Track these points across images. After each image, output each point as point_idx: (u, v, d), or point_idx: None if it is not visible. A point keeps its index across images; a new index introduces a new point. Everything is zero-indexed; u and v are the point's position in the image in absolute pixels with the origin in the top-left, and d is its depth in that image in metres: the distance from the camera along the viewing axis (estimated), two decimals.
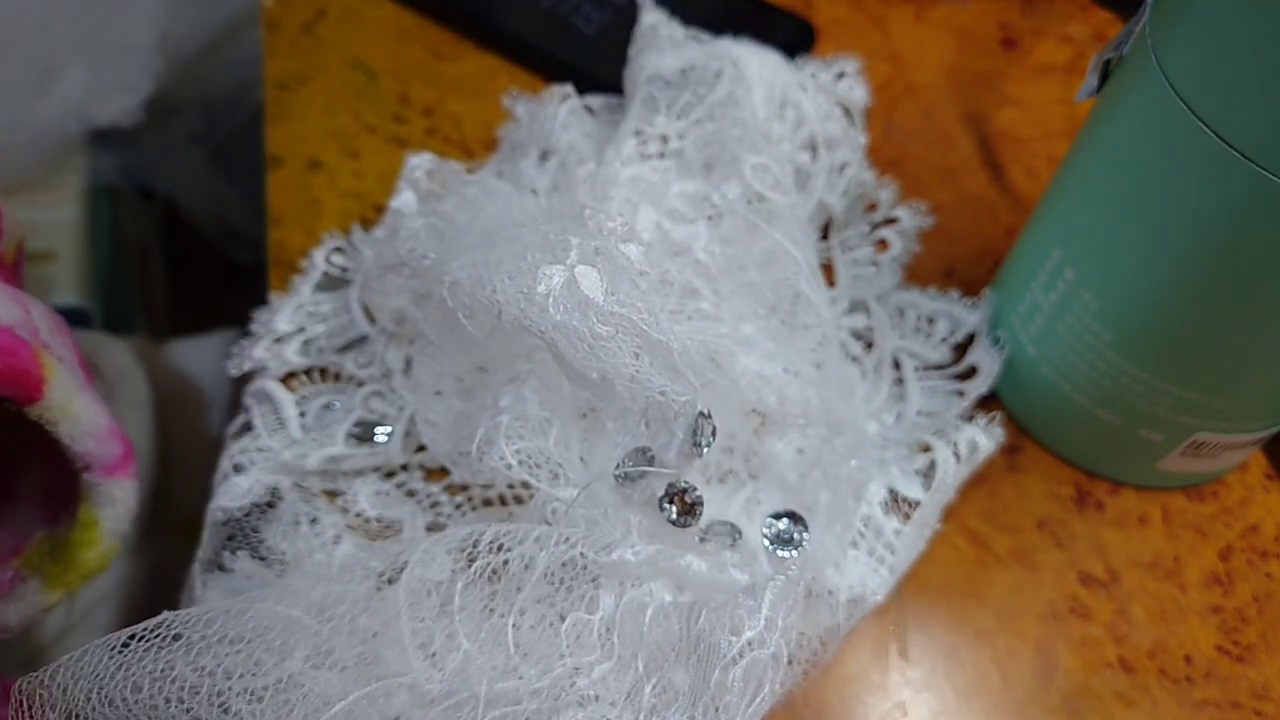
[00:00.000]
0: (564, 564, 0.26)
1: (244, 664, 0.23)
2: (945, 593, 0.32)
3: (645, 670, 0.25)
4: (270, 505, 0.31)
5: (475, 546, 0.25)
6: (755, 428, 0.32)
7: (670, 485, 0.27)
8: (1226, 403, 0.29)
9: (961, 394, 0.34)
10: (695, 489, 0.28)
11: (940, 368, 0.35)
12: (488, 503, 0.32)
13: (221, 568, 0.30)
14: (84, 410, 0.26)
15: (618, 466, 0.27)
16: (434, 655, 0.25)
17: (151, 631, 0.23)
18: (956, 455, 0.31)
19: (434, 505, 0.32)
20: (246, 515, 0.31)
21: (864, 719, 0.29)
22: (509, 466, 0.28)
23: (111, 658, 0.23)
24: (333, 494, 0.32)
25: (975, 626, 0.31)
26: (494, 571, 0.26)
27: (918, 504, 0.31)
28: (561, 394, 0.29)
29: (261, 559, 0.30)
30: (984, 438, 0.32)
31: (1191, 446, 0.31)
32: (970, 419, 0.32)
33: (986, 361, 0.34)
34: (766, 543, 0.30)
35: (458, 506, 0.32)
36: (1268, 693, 0.30)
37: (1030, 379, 0.33)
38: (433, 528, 0.31)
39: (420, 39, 0.45)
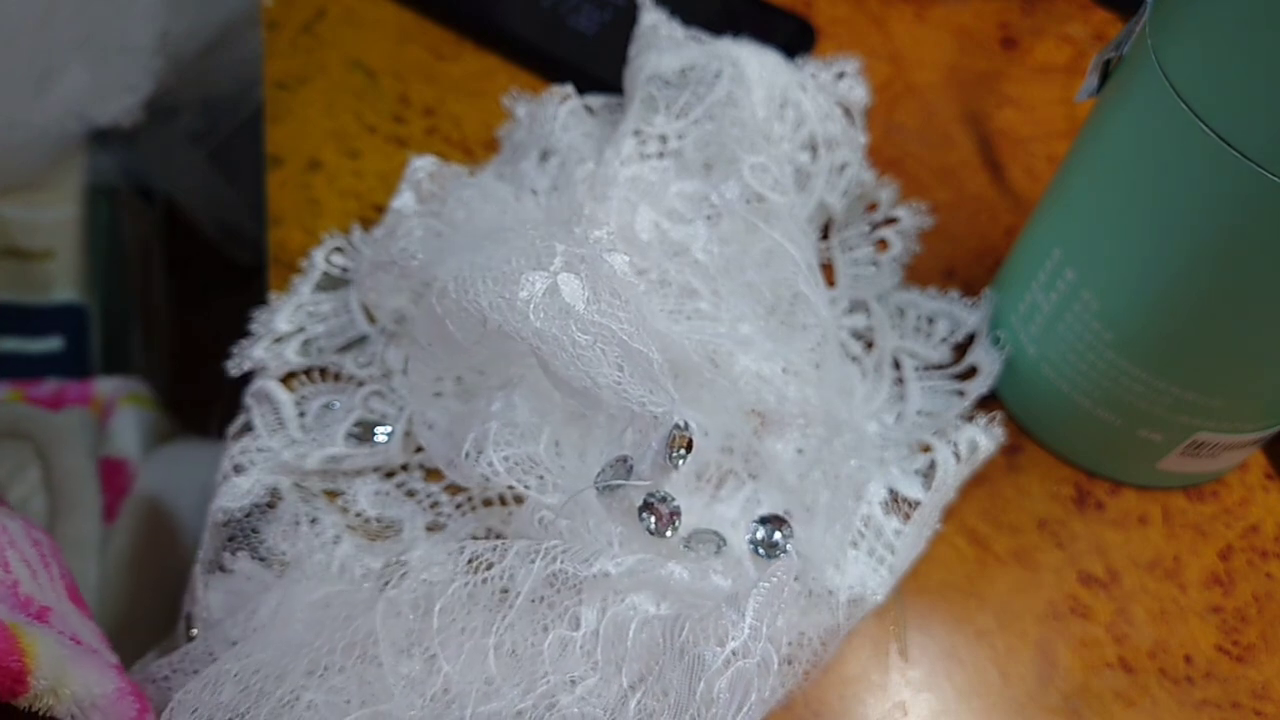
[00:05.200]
0: (545, 579, 0.26)
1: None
2: (945, 593, 0.32)
3: (630, 685, 0.25)
4: (270, 505, 0.31)
5: (456, 565, 0.26)
6: (755, 428, 0.32)
7: (648, 496, 0.27)
8: (1226, 403, 0.29)
9: (961, 394, 0.34)
10: (673, 499, 0.28)
11: (940, 368, 0.35)
12: (488, 503, 0.32)
13: (222, 568, 0.30)
14: (81, 684, 0.23)
15: (598, 477, 0.27)
16: (416, 679, 0.25)
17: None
18: (956, 455, 0.31)
19: (434, 505, 0.32)
20: (246, 516, 0.31)
21: (864, 719, 0.29)
22: (497, 473, 0.28)
23: None
24: (333, 494, 0.32)
25: (975, 626, 0.31)
26: (474, 590, 0.26)
27: (918, 504, 0.31)
28: (553, 399, 0.29)
29: (261, 559, 0.30)
30: (984, 438, 0.32)
31: (1191, 446, 0.31)
32: (970, 419, 0.32)
33: (986, 361, 0.34)
34: (750, 548, 0.30)
35: (458, 506, 0.32)
36: (1268, 693, 0.30)
37: (1030, 379, 0.33)
38: (433, 528, 0.31)
39: (420, 39, 0.45)
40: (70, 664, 0.23)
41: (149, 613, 0.43)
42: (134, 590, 0.44)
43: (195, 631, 0.29)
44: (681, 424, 0.26)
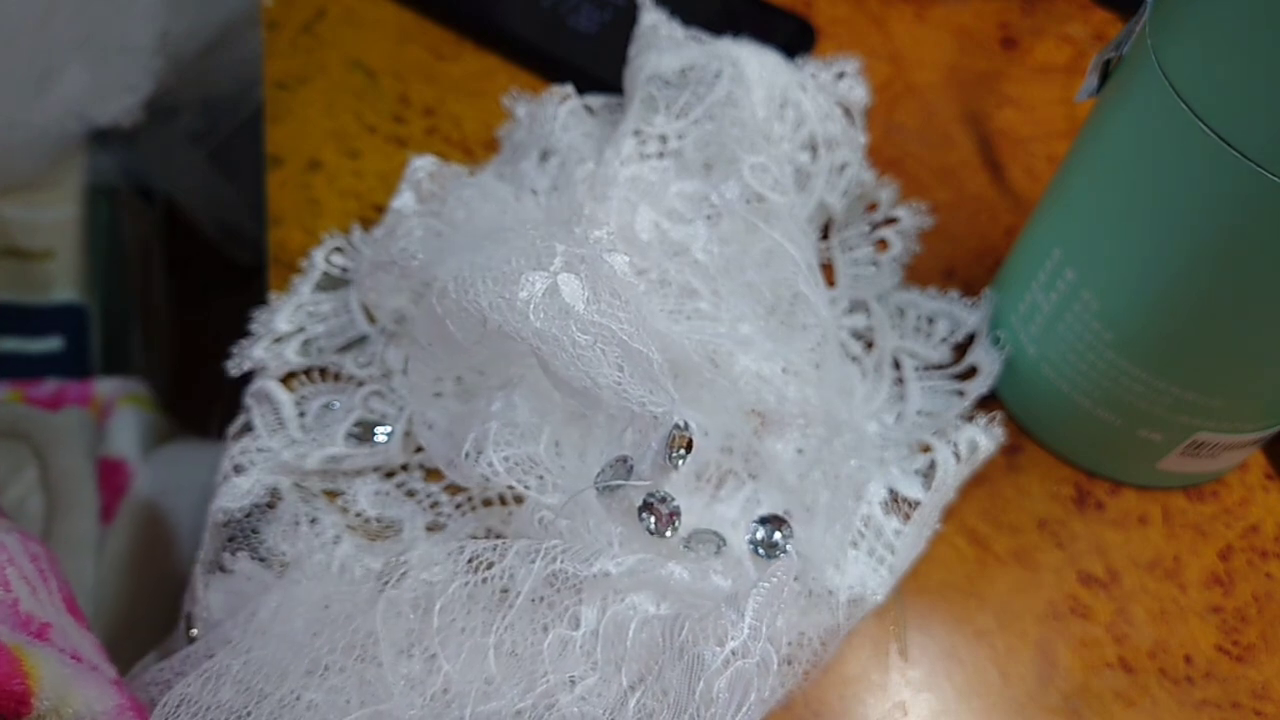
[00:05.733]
0: (546, 579, 0.26)
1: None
2: (945, 593, 0.32)
3: (630, 684, 0.25)
4: (270, 505, 0.31)
5: (456, 565, 0.26)
6: (755, 428, 0.32)
7: (648, 496, 0.27)
8: (1226, 403, 0.29)
9: (961, 394, 0.34)
10: (673, 499, 0.28)
11: (940, 368, 0.35)
12: (488, 503, 0.32)
13: (222, 568, 0.30)
14: (82, 701, 0.23)
15: (598, 477, 0.27)
16: (416, 679, 0.25)
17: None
18: (956, 455, 0.31)
19: (434, 505, 0.32)
20: (247, 516, 0.31)
21: (864, 719, 0.29)
22: (497, 473, 0.28)
23: None
24: (333, 494, 0.32)
25: (975, 626, 0.31)
26: (474, 589, 0.26)
27: (918, 504, 0.31)
28: (553, 399, 0.29)
29: (261, 559, 0.30)
30: (984, 438, 0.32)
31: (1191, 446, 0.31)
32: (970, 419, 0.32)
33: (986, 361, 0.34)
34: (750, 548, 0.30)
35: (458, 506, 0.32)
36: (1268, 693, 0.30)
37: (1030, 379, 0.33)
38: (433, 528, 0.31)
39: (420, 39, 0.45)
40: (72, 683, 0.23)
41: (148, 613, 0.43)
42: (133, 591, 0.44)
43: (195, 632, 0.29)
44: (681, 424, 0.26)
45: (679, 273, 0.33)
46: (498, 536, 0.31)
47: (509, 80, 0.43)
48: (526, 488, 0.28)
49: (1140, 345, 0.29)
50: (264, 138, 0.41)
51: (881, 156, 0.41)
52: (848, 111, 0.39)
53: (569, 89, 0.38)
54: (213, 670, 0.25)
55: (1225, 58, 0.23)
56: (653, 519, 0.27)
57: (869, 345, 0.36)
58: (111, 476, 0.47)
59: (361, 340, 0.35)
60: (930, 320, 0.36)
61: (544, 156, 0.37)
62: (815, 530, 0.30)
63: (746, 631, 0.24)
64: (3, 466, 0.46)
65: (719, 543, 0.29)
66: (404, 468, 0.33)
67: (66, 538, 0.44)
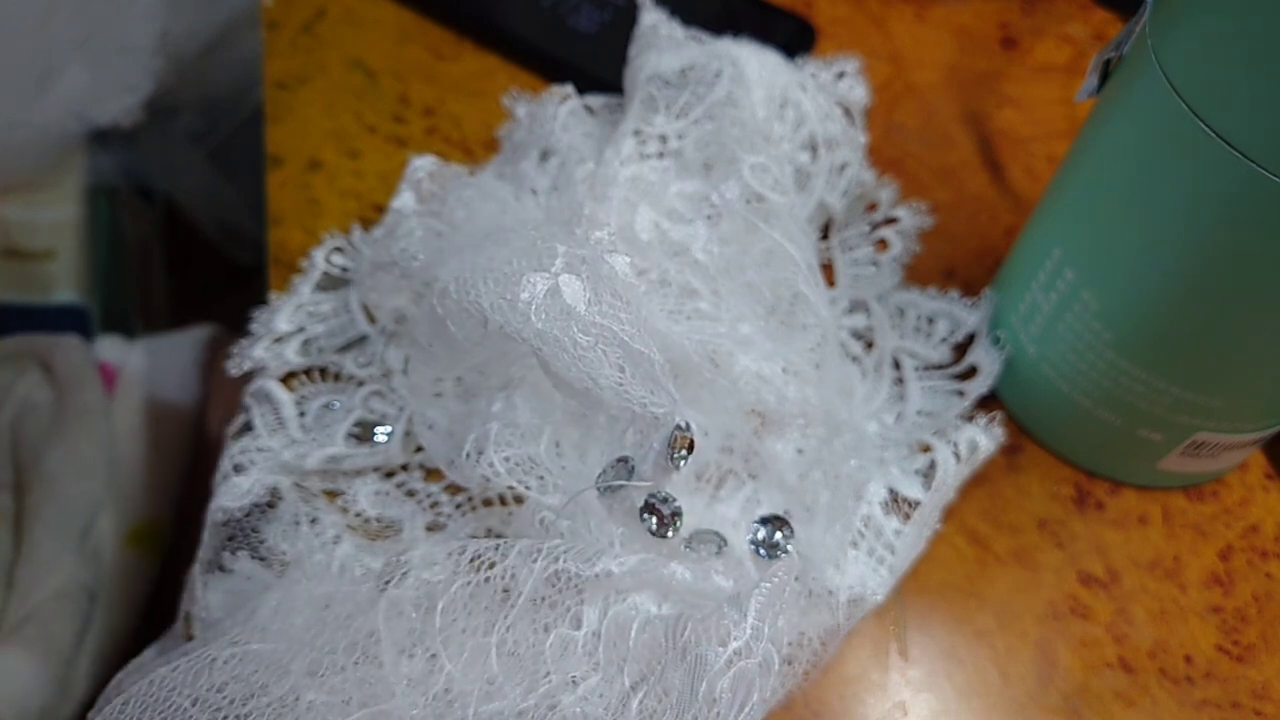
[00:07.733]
0: (548, 579, 0.26)
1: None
2: (945, 593, 0.32)
3: (632, 685, 0.25)
4: (270, 505, 0.31)
5: (458, 565, 0.26)
6: (755, 428, 0.32)
7: (649, 497, 0.27)
8: (1226, 403, 0.29)
9: (961, 394, 0.34)
10: (674, 500, 0.28)
11: (940, 368, 0.35)
12: (488, 503, 0.32)
13: (222, 568, 0.30)
14: None
15: (599, 478, 0.27)
16: (417, 679, 0.25)
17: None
18: (956, 455, 0.31)
19: (434, 505, 0.32)
20: (246, 515, 0.31)
21: (864, 719, 0.29)
22: (497, 474, 0.28)
23: None
24: (333, 494, 0.32)
25: (975, 626, 0.31)
26: (476, 589, 0.26)
27: (918, 504, 0.31)
28: (553, 400, 0.29)
29: (261, 559, 0.30)
30: (984, 438, 0.32)
31: (1191, 446, 0.31)
32: (970, 419, 0.32)
33: (986, 361, 0.34)
34: (751, 548, 0.30)
35: (458, 506, 0.32)
36: (1268, 693, 0.30)
37: (1030, 379, 0.33)
38: (433, 528, 0.31)
39: (420, 39, 0.45)
40: None
41: (157, 458, 0.50)
42: (143, 444, 0.50)
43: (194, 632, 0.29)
44: (683, 424, 0.26)
45: (679, 273, 0.33)
46: (498, 537, 0.31)
47: (509, 80, 0.43)
48: (527, 488, 0.28)
49: (1140, 345, 0.29)
50: (264, 138, 0.41)
51: (881, 156, 0.41)
52: (848, 111, 0.39)
53: (569, 89, 0.38)
54: (200, 658, 0.25)
55: (1225, 58, 0.23)
56: (654, 520, 0.27)
57: (869, 345, 0.36)
58: (103, 373, 0.52)
59: (361, 340, 0.35)
60: (930, 320, 0.36)
61: (544, 156, 0.37)
62: (815, 530, 0.30)
63: (749, 632, 0.24)
64: (6, 374, 0.50)
65: (720, 543, 0.29)
66: (404, 468, 0.33)
67: (78, 408, 0.48)
